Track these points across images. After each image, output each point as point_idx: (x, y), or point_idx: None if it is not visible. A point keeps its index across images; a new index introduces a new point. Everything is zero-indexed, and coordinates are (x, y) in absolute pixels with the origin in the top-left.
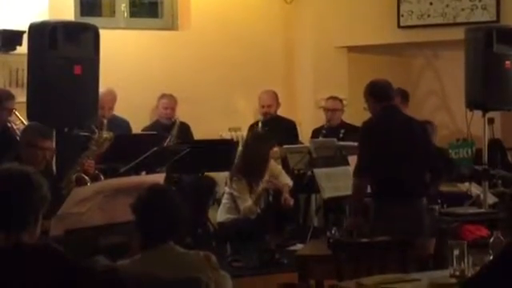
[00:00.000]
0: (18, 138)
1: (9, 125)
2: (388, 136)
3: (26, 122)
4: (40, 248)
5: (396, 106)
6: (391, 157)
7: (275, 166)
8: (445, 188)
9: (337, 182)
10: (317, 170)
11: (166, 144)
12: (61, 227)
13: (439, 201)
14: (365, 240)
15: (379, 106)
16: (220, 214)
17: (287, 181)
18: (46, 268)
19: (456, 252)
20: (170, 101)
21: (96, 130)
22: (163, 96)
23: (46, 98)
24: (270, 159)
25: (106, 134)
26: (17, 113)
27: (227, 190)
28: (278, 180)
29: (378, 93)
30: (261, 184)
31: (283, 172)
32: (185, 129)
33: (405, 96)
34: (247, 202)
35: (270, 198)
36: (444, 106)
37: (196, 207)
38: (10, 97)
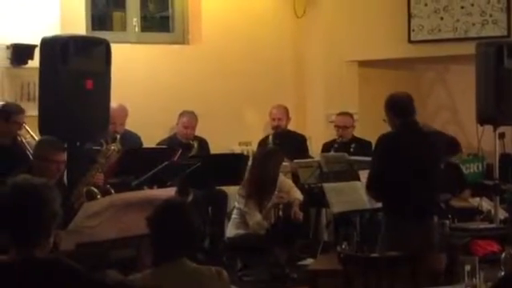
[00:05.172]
0: (27, 152)
1: (19, 138)
2: (404, 152)
3: (35, 136)
4: (51, 262)
5: (415, 121)
6: (406, 173)
7: (285, 180)
8: (456, 203)
9: (346, 196)
10: (326, 185)
11: (176, 158)
12: (72, 241)
13: (450, 216)
14: (375, 255)
15: (398, 121)
16: (230, 230)
17: (298, 195)
18: (58, 282)
19: (467, 268)
20: (190, 119)
21: (103, 143)
22: (183, 114)
23: (58, 112)
24: (280, 174)
25: (113, 146)
26: (27, 127)
27: (237, 205)
28: (289, 195)
29: (397, 107)
30: (271, 199)
31: (294, 186)
32: (203, 145)
33: None
34: (256, 218)
35: (280, 213)
36: (455, 120)
37: (211, 221)
38: (20, 111)
